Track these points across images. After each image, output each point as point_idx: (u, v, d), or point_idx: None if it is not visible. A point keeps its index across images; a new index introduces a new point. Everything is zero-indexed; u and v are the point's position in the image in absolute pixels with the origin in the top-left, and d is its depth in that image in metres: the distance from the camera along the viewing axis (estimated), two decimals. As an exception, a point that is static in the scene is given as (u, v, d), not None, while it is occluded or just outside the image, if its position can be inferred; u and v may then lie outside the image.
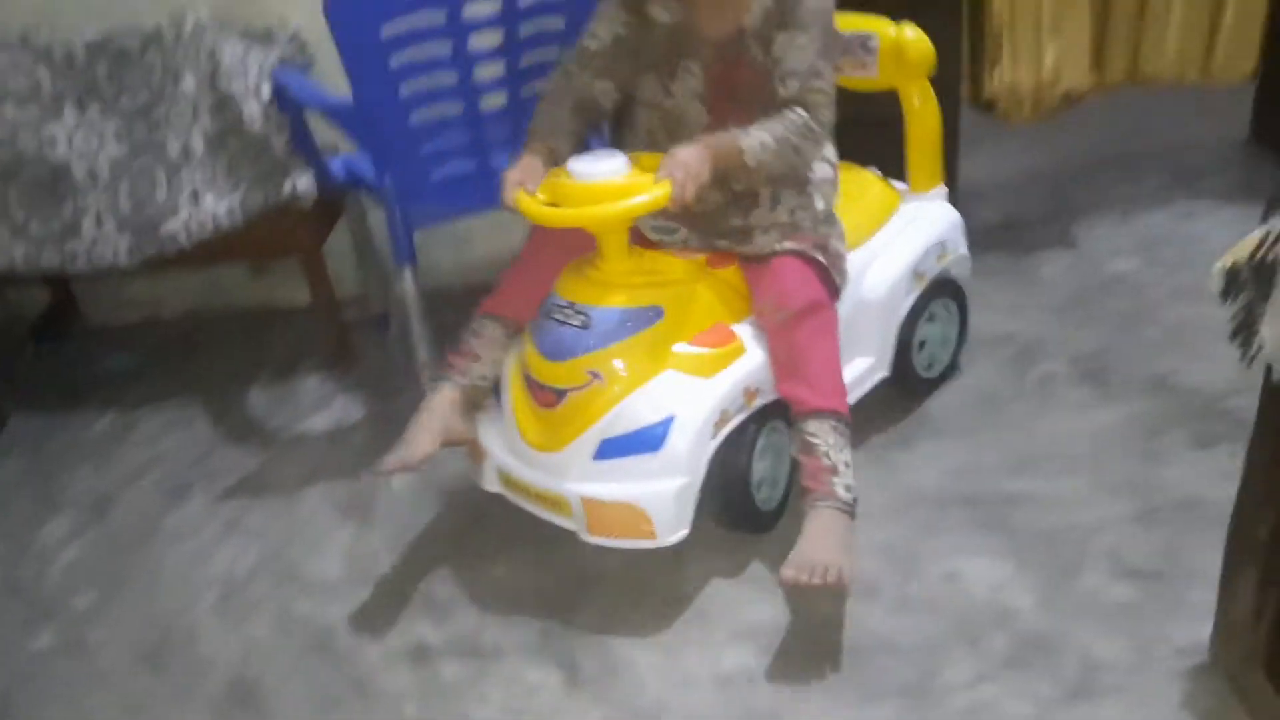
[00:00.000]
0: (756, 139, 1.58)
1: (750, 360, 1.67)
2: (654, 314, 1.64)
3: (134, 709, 1.64)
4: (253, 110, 2.14)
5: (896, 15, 1.95)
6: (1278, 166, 2.54)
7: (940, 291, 2.00)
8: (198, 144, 2.17)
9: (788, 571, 1.53)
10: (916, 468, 1.87)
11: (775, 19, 1.63)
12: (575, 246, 1.69)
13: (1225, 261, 1.35)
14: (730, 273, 1.73)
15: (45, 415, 2.41)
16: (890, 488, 1.83)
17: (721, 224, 1.74)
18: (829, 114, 1.65)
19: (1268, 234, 1.30)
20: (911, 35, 1.91)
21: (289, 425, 2.27)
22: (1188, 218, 2.50)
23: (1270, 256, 1.27)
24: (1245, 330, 1.33)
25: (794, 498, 1.74)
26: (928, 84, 1.97)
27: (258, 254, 2.51)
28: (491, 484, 1.78)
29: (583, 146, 1.72)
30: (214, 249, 2.25)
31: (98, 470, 2.20)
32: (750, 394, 1.67)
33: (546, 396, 1.65)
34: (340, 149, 2.33)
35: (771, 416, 1.72)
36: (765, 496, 1.76)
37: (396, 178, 2.00)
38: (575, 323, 1.63)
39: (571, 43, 1.88)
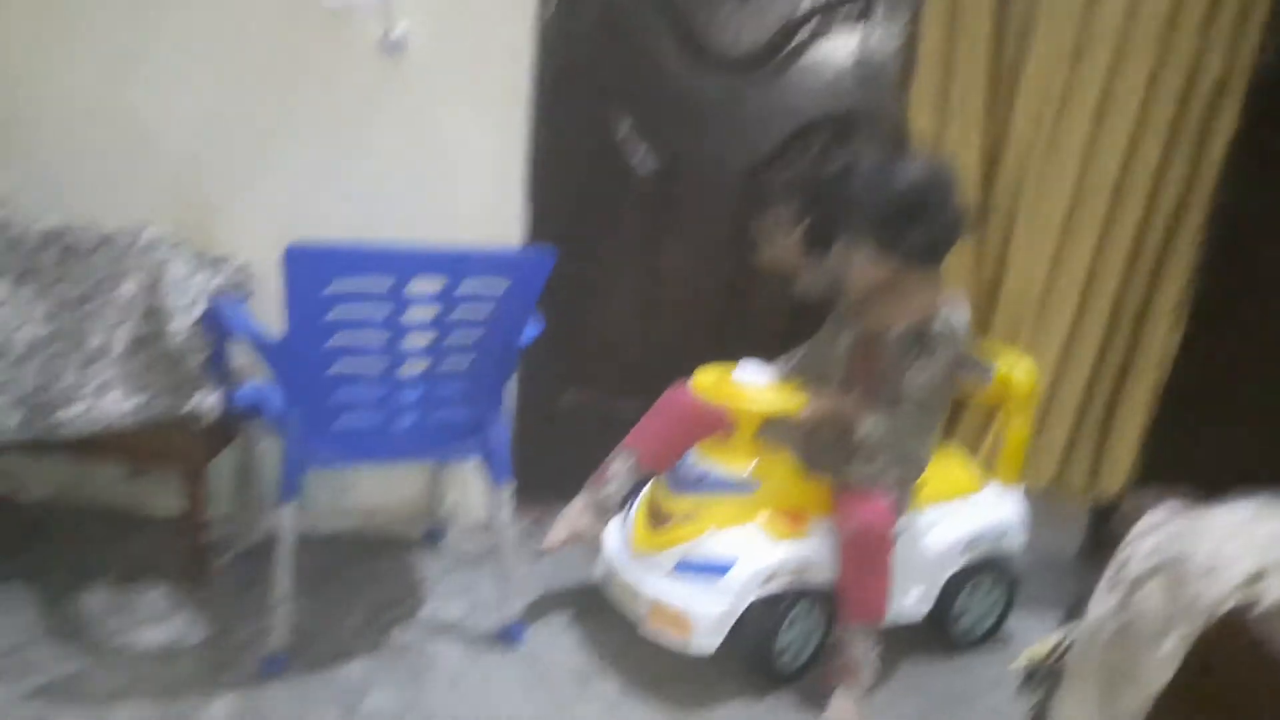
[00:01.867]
0: (873, 422, 2.14)
1: (809, 545, 2.18)
2: (753, 485, 2.20)
3: None
4: (179, 325, 2.24)
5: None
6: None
7: (990, 569, 2.43)
8: (118, 344, 2.26)
9: None
10: None
11: (913, 344, 2.14)
12: (705, 428, 2.26)
13: (1023, 660, 1.50)
14: (823, 482, 2.23)
15: None
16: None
17: (826, 457, 2.24)
18: (932, 422, 2.23)
19: (1061, 641, 1.46)
20: (1021, 372, 2.45)
21: (119, 632, 2.22)
22: (1014, 615, 2.69)
23: (1060, 663, 1.43)
24: (1039, 722, 1.47)
25: (815, 670, 2.24)
26: (1028, 407, 2.49)
27: (144, 459, 2.51)
28: (600, 573, 2.35)
29: None
30: (101, 445, 2.28)
31: (-96, 642, 2.11)
32: (799, 570, 2.17)
33: (660, 517, 2.22)
34: (255, 377, 2.43)
35: (808, 595, 2.20)
36: (785, 661, 2.23)
37: (302, 417, 2.10)
38: (695, 473, 2.21)
39: (494, 329, 2.14)
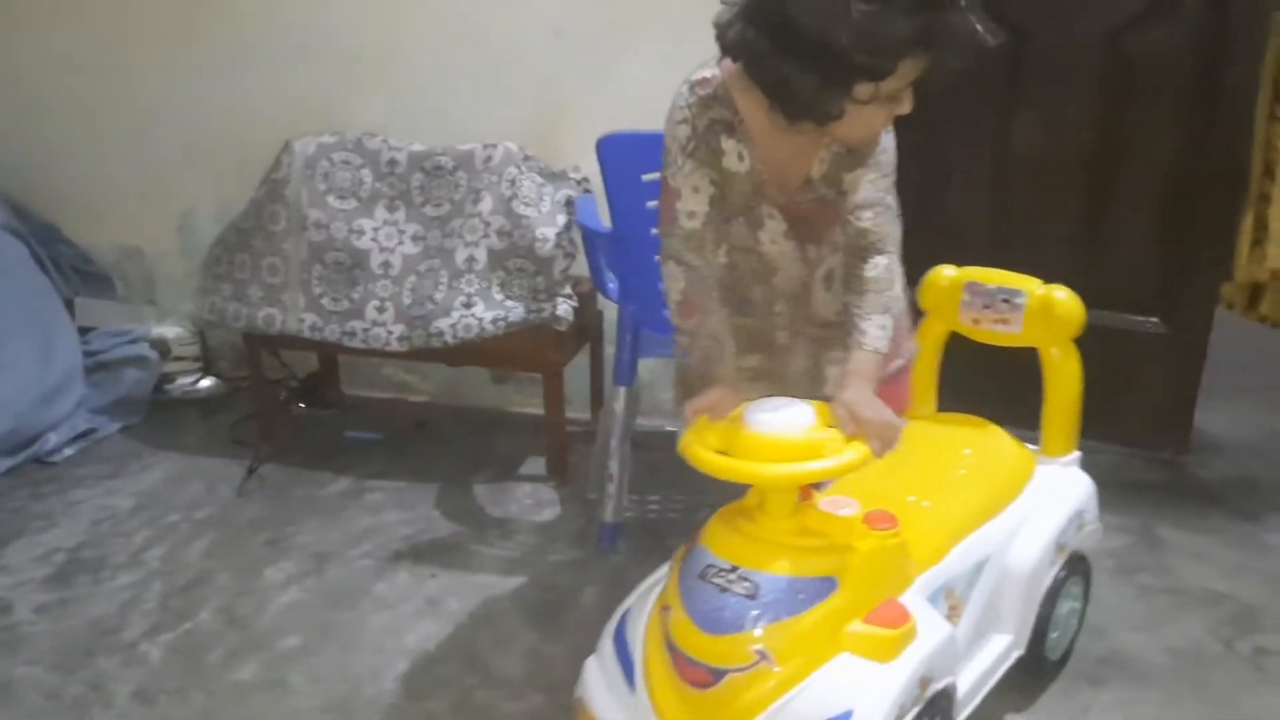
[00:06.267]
0: (874, 329, 1.52)
1: (924, 644, 1.44)
2: (828, 586, 1.41)
3: (316, 753, 1.77)
4: (546, 234, 2.38)
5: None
6: None
7: (1075, 567, 1.85)
8: (481, 257, 2.42)
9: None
10: (1105, 709, 1.81)
11: (844, 163, 1.56)
12: None
13: None
14: (894, 535, 1.49)
15: (293, 468, 2.66)
16: (1076, 724, 1.78)
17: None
18: (898, 231, 1.60)
19: None
20: (1062, 296, 1.83)
21: (499, 523, 2.43)
22: None
23: None
24: None
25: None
26: (1073, 346, 1.87)
27: (507, 364, 2.72)
28: None
29: None
30: (470, 352, 2.48)
31: (325, 527, 2.41)
32: (924, 683, 1.44)
33: (699, 675, 1.40)
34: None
35: (934, 707, 1.48)
36: None
37: (634, 305, 2.19)
38: (739, 590, 1.40)
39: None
